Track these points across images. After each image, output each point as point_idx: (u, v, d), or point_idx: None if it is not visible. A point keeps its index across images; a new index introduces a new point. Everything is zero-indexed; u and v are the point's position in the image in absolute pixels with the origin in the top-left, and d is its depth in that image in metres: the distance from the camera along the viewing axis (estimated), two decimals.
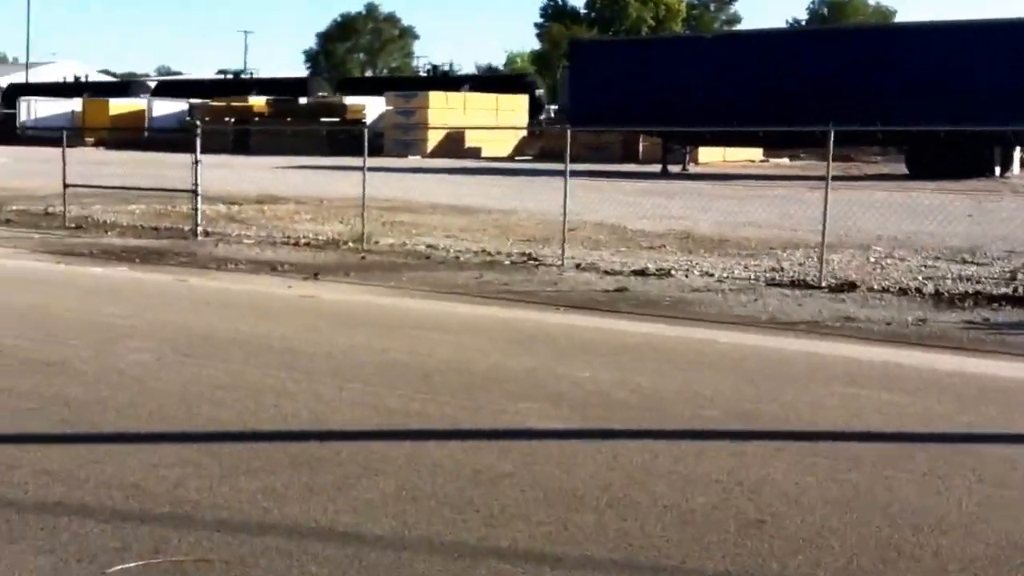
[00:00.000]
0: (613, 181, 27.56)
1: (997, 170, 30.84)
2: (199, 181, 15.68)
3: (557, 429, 5.84)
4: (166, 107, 51.38)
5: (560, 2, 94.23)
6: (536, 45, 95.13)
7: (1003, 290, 10.66)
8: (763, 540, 4.21)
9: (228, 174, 24.24)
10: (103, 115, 48.37)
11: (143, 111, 50.21)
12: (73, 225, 16.43)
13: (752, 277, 11.57)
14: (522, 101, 48.43)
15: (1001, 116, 23.64)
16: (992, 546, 4.20)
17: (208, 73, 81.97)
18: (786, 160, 40.49)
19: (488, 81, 58.51)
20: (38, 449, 5.33)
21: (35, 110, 51.46)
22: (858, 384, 6.84)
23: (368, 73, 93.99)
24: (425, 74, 65.79)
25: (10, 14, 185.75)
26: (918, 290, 10.50)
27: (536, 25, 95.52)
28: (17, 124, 50.04)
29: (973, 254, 13.51)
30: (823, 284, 10.83)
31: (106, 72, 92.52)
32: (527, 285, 11.48)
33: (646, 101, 31.21)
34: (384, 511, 4.54)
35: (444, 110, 45.74)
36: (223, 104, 47.45)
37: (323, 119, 46.27)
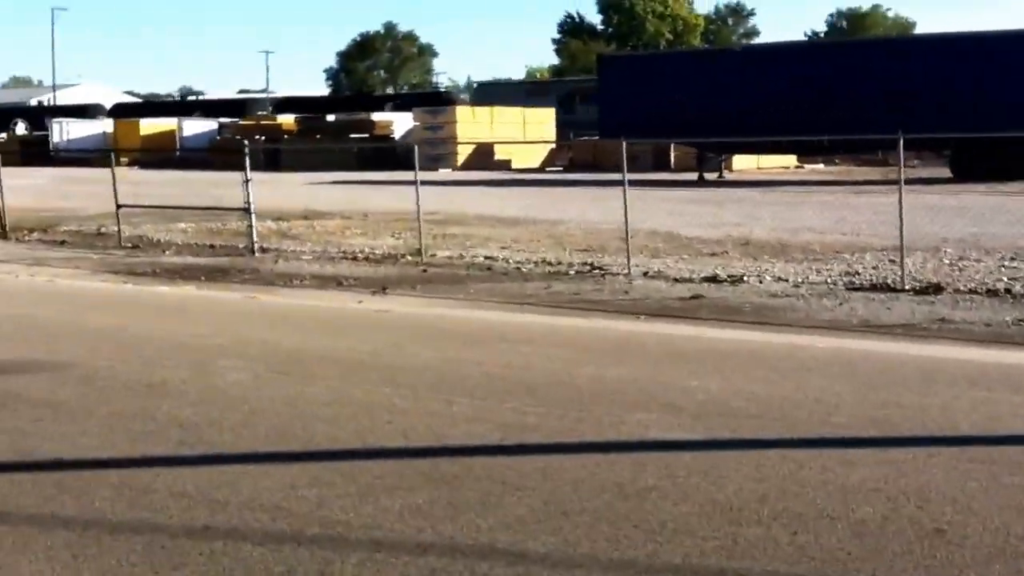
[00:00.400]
0: (651, 190, 27.33)
1: None
2: (251, 199, 15.63)
3: (686, 440, 5.68)
4: (196, 126, 51.56)
5: (578, 18, 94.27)
6: (555, 60, 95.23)
7: None
8: (950, 550, 4.04)
9: (267, 191, 24.17)
10: (134, 136, 48.58)
11: (174, 131, 50.40)
12: (129, 245, 16.40)
13: (829, 281, 11.37)
14: (549, 114, 48.33)
15: None
16: None
17: (228, 93, 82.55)
18: (821, 166, 40.18)
19: (408, 98, 59.68)
20: (167, 472, 5.22)
21: (67, 131, 51.75)
22: (981, 386, 6.65)
23: (389, 90, 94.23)
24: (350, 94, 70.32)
25: (34, 37, 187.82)
26: (1007, 290, 10.28)
27: (554, 41, 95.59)
28: (50, 145, 50.31)
29: None
30: (906, 287, 10.62)
31: (130, 93, 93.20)
32: (598, 294, 11.32)
33: (680, 112, 31.16)
34: (539, 528, 4.40)
35: (471, 124, 45.74)
36: (252, 122, 47.58)
37: (351, 135, 46.30)
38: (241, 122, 49.00)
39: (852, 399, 6.40)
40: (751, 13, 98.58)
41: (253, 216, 15.66)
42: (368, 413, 6.25)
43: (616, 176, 33.58)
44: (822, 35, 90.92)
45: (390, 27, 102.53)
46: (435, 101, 54.18)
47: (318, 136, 46.54)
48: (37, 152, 46.19)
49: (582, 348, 8.41)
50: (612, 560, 4.07)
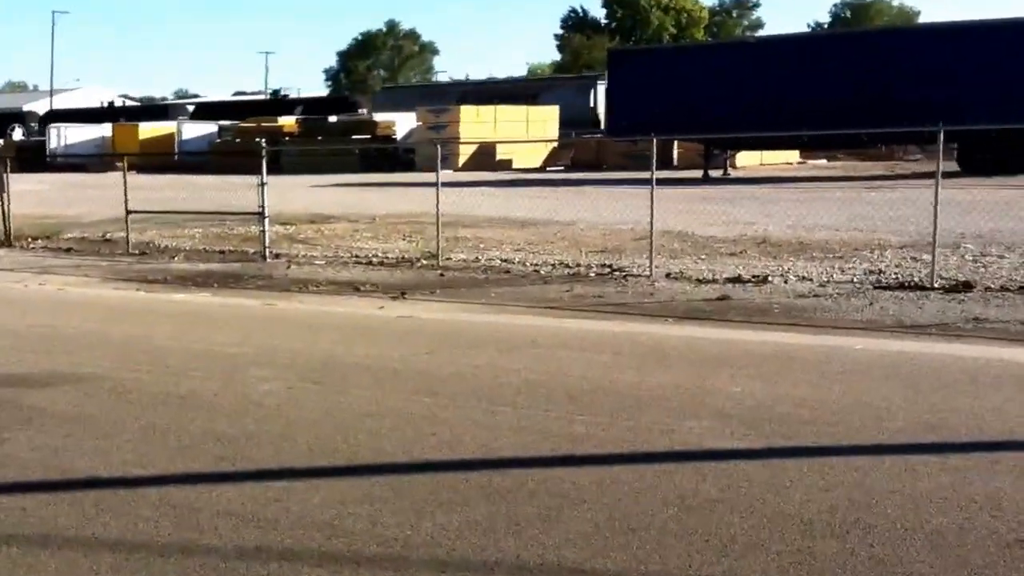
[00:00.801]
0: (657, 188, 27.14)
1: None
2: (265, 203, 15.47)
3: (743, 449, 5.53)
4: (196, 130, 51.31)
5: (580, 12, 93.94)
6: (557, 56, 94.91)
7: None
8: None
9: (270, 194, 24.02)
10: (133, 140, 48.24)
11: (172, 134, 50.13)
12: (137, 251, 16.23)
13: (855, 280, 11.24)
14: (552, 112, 48.16)
15: None
16: None
17: (225, 94, 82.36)
18: (824, 161, 40.07)
19: (313, 104, 59.31)
20: (210, 489, 5.06)
21: (65, 136, 51.43)
22: None
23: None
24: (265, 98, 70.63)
25: (30, 42, 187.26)
26: None
27: (556, 36, 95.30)
28: (47, 151, 50.02)
29: None
30: (935, 285, 10.48)
31: (126, 96, 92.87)
32: (622, 297, 11.18)
33: (701, 107, 30.79)
34: (606, 544, 4.25)
35: (475, 124, 45.51)
36: (253, 125, 47.32)
37: (354, 136, 46.13)
38: (241, 124, 48.75)
39: (903, 403, 6.25)
40: (756, 5, 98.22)
41: (267, 220, 15.50)
42: (410, 424, 6.10)
43: (620, 175, 33.57)
44: (825, 26, 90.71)
45: (392, 25, 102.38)
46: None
47: (319, 137, 46.36)
48: (34, 159, 45.86)
49: (617, 353, 8.25)
50: None
